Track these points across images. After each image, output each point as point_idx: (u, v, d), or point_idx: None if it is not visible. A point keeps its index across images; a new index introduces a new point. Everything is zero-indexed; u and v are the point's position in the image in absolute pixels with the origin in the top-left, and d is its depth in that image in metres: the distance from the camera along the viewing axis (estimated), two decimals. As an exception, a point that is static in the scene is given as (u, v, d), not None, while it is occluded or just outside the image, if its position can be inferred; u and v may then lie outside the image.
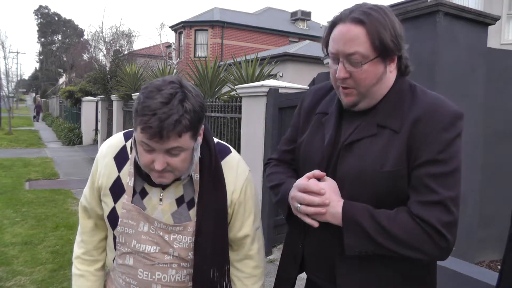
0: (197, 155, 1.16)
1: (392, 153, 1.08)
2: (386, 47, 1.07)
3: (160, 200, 1.20)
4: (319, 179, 1.15)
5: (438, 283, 1.22)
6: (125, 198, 1.20)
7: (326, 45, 1.16)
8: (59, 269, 3.95)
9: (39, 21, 68.79)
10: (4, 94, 21.10)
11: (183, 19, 27.01)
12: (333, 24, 1.13)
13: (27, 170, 9.37)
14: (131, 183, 1.20)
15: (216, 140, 1.29)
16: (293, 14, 29.27)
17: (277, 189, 1.31)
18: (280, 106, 4.43)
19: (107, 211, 1.24)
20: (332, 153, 1.19)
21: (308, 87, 4.79)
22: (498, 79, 3.69)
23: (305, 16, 28.82)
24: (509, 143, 3.80)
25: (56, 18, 69.06)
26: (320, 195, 1.11)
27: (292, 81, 6.39)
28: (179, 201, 1.21)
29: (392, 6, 4.13)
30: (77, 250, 1.38)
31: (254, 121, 4.65)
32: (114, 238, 1.25)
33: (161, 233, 1.19)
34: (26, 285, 3.58)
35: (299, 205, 1.13)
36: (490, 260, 3.83)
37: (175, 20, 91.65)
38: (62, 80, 44.56)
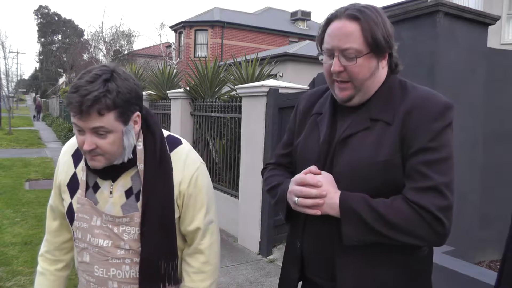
0: (128, 140, 1.16)
1: (386, 143, 1.12)
2: (378, 43, 1.12)
3: (111, 192, 1.22)
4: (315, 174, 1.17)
5: (438, 283, 1.23)
6: (79, 193, 1.24)
7: (321, 42, 1.20)
8: (59, 269, 3.95)
9: (39, 21, 68.77)
10: (4, 94, 21.09)
11: (183, 19, 27.00)
12: (329, 21, 1.18)
13: (27, 170, 9.36)
14: (84, 178, 1.24)
15: (167, 133, 1.31)
16: (293, 14, 29.27)
17: (275, 190, 1.32)
18: (280, 106, 4.43)
19: (66, 207, 1.28)
20: (328, 150, 1.21)
21: (308, 87, 4.80)
22: (498, 79, 3.69)
23: (305, 16, 28.82)
24: (509, 143, 3.79)
25: (56, 18, 69.03)
26: (317, 187, 1.12)
27: (292, 81, 6.39)
28: (128, 193, 1.22)
29: (392, 6, 4.13)
30: (42, 248, 1.43)
31: (254, 121, 4.65)
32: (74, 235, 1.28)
33: (110, 226, 1.21)
34: (26, 285, 3.58)
35: (297, 199, 1.15)
36: (490, 260, 3.83)
37: (175, 20, 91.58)
38: (62, 80, 44.60)
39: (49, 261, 1.40)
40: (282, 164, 1.42)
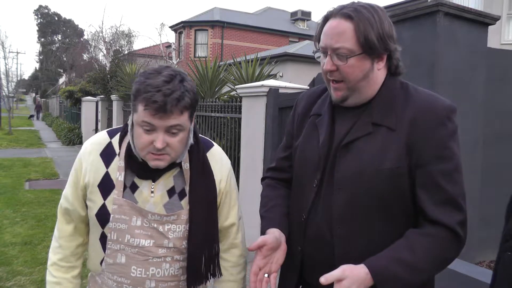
0: (191, 138, 1.23)
1: (391, 151, 1.09)
2: (371, 44, 1.09)
3: (152, 192, 1.22)
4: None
5: (438, 283, 1.23)
6: (115, 193, 1.21)
7: (318, 39, 1.18)
8: (59, 269, 3.95)
9: (39, 21, 68.73)
10: (4, 94, 21.09)
11: (183, 19, 26.99)
12: (326, 19, 1.16)
13: (27, 170, 9.36)
14: (121, 178, 1.21)
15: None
16: (293, 14, 29.25)
17: (262, 221, 1.30)
18: (280, 106, 4.43)
19: (95, 209, 1.23)
20: (328, 154, 1.18)
21: (308, 87, 4.80)
22: (498, 79, 3.69)
23: (305, 16, 28.80)
24: (509, 143, 3.79)
25: (56, 18, 68.97)
26: None
27: (292, 81, 6.39)
28: (170, 192, 1.24)
29: (392, 6, 4.12)
30: (52, 256, 1.33)
31: (254, 121, 4.65)
32: (102, 237, 1.24)
33: (155, 225, 1.21)
34: (26, 285, 3.58)
35: None
36: (490, 260, 3.83)
37: (175, 20, 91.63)
38: (62, 80, 44.58)
39: (64, 269, 1.32)
40: (283, 168, 1.39)
